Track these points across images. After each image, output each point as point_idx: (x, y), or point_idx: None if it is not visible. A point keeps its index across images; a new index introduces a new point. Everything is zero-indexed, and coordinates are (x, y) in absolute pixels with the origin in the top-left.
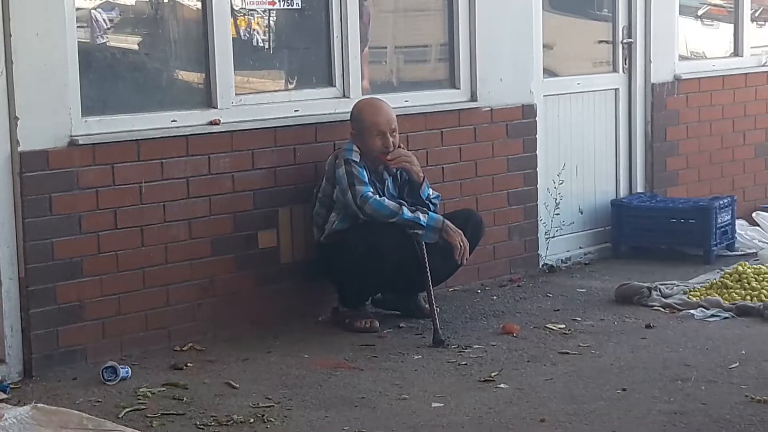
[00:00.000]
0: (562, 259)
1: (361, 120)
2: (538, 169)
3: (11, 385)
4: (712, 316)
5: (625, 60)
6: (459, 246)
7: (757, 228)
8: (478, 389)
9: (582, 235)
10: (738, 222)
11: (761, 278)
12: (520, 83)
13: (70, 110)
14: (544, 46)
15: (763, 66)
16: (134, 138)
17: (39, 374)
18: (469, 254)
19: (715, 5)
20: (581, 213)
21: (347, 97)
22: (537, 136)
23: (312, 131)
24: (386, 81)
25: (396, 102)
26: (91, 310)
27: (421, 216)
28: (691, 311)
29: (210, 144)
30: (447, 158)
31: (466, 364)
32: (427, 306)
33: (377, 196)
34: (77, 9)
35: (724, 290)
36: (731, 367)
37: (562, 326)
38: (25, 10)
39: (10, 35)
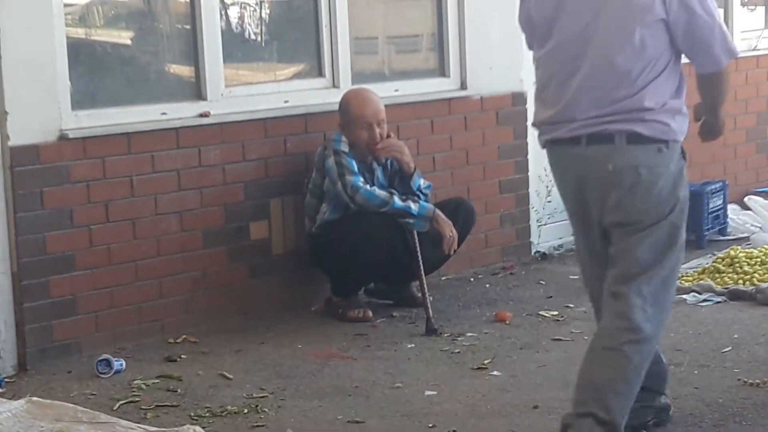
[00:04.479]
0: (554, 247)
1: (348, 112)
2: (528, 157)
3: (6, 379)
4: (705, 300)
5: None
6: (448, 236)
7: (749, 212)
8: (472, 377)
9: None
10: (730, 206)
11: (753, 262)
12: (510, 71)
13: (60, 104)
14: None
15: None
16: (124, 131)
17: (33, 368)
18: (462, 243)
19: None
20: None
21: (337, 87)
22: (527, 123)
23: (302, 122)
24: (377, 71)
25: (386, 91)
26: (85, 303)
27: (411, 205)
28: (684, 296)
29: (200, 136)
30: (438, 147)
31: (459, 352)
32: (419, 295)
33: (368, 186)
34: (65, 4)
35: (717, 274)
36: (724, 351)
37: (555, 313)
38: (13, 5)
39: None
